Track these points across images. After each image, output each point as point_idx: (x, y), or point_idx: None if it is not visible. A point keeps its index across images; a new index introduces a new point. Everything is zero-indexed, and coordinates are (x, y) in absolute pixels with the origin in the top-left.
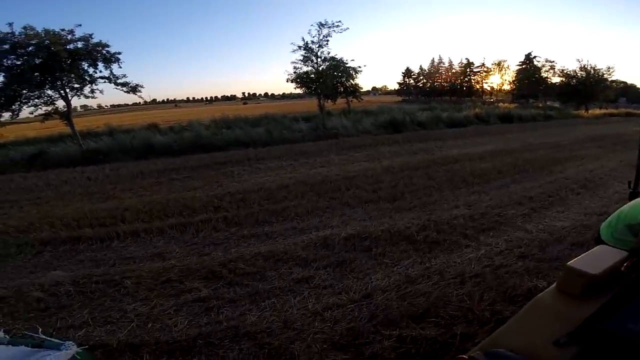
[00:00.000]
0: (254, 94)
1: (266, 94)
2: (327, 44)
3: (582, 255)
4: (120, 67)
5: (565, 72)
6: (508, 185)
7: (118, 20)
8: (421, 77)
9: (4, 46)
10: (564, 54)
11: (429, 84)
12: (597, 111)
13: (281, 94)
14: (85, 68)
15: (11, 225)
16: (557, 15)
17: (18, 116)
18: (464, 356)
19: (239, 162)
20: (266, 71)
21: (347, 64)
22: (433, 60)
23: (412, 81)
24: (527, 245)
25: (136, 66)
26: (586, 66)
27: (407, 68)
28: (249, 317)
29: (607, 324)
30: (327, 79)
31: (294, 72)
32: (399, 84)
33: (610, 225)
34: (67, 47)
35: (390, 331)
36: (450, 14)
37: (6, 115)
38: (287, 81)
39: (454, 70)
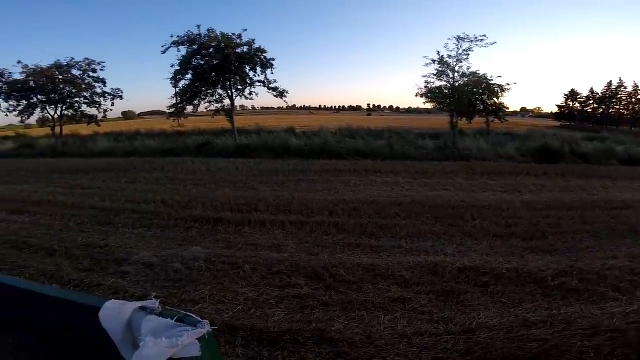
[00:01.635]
0: (379, 106)
1: (390, 106)
2: (467, 58)
3: None
4: (273, 73)
5: None
6: None
7: (266, 29)
8: (591, 101)
9: (194, 47)
10: None
11: (601, 110)
12: None
13: (406, 108)
14: (247, 71)
15: (176, 201)
16: None
17: (197, 110)
18: None
19: (356, 172)
20: (392, 83)
21: (491, 80)
22: (610, 83)
23: (577, 105)
24: None
25: (280, 72)
26: None
27: (572, 90)
28: (336, 323)
29: None
30: (463, 95)
31: (425, 87)
32: (559, 106)
33: None
34: (236, 50)
35: None
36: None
37: (189, 108)
38: (417, 95)
39: (639, 96)
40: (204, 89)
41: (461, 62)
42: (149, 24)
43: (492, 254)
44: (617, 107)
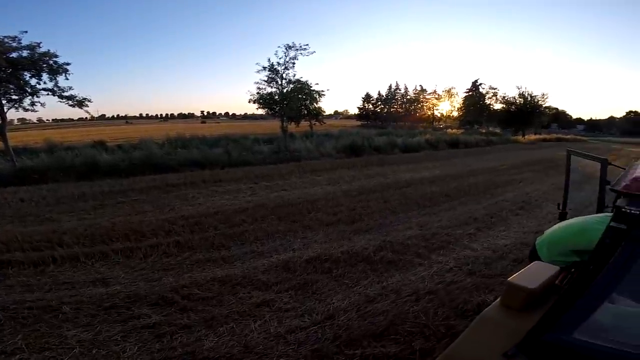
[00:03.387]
0: (214, 113)
1: (227, 113)
2: (293, 66)
3: (521, 271)
4: (67, 79)
5: (506, 99)
6: (455, 208)
7: (64, 24)
8: (379, 103)
9: None
10: (507, 81)
11: (386, 110)
12: (533, 137)
13: (242, 114)
14: (27, 79)
15: None
16: (503, 40)
17: None
18: None
19: (193, 185)
20: (228, 90)
21: (311, 87)
22: (390, 87)
23: (371, 106)
24: (474, 263)
25: (83, 77)
26: (524, 93)
27: (367, 93)
28: (205, 342)
29: (546, 335)
30: (291, 101)
31: (257, 93)
32: (359, 108)
33: (550, 246)
34: (10, 55)
35: (353, 351)
36: (410, 40)
37: None
38: (250, 102)
39: (408, 97)
40: None
41: (288, 69)
42: None
43: (328, 241)
44: (396, 106)
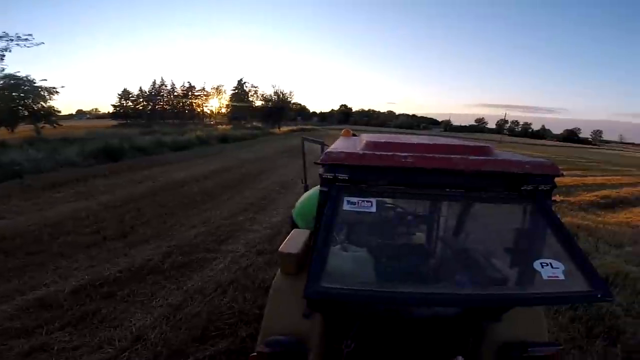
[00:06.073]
0: None
1: None
2: (2, 59)
3: (285, 240)
4: None
5: (264, 96)
6: (233, 197)
7: None
8: (141, 100)
9: None
10: (266, 79)
11: (149, 107)
12: (285, 129)
13: None
14: None
15: None
16: (263, 39)
17: None
18: (254, 354)
19: None
20: None
21: (34, 82)
22: (154, 83)
23: (130, 104)
24: (260, 243)
25: None
26: (278, 91)
27: (125, 89)
28: None
29: (305, 291)
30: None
31: None
32: (115, 106)
33: (301, 215)
34: None
35: None
36: (175, 36)
37: None
38: None
39: (176, 93)
40: None
41: None
42: None
43: (96, 264)
44: (162, 103)
